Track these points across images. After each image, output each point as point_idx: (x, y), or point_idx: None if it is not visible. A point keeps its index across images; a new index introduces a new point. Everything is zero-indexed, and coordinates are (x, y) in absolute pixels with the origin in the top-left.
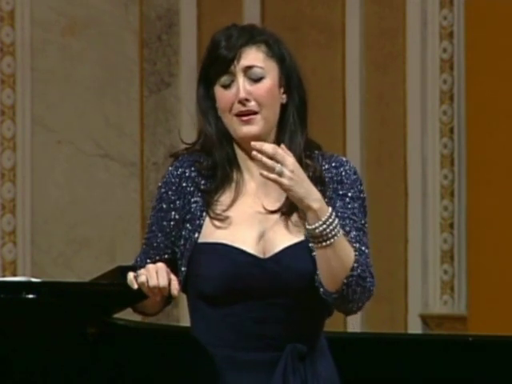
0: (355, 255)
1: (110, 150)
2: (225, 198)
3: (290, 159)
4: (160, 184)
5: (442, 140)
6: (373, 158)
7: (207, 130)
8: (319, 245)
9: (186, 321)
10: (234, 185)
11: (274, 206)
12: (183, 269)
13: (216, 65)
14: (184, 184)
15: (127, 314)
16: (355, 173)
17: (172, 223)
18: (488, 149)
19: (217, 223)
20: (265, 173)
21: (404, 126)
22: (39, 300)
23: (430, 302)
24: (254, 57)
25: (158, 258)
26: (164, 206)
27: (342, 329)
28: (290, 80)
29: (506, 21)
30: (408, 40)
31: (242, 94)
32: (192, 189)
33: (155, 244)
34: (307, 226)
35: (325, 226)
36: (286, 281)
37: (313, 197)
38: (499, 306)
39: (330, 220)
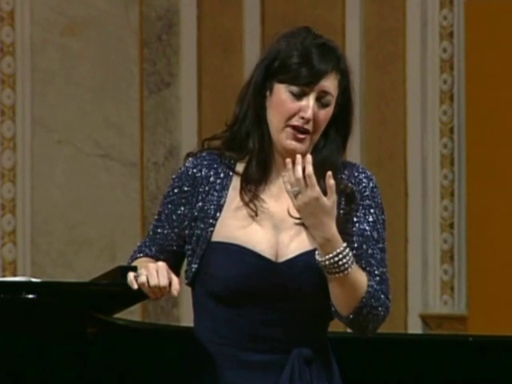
0: (370, 285)
1: (109, 150)
2: (253, 188)
3: (310, 193)
4: (174, 176)
5: (442, 140)
6: (373, 158)
7: (251, 115)
8: (327, 275)
9: (186, 321)
10: (260, 179)
11: (296, 213)
12: (194, 266)
13: (291, 76)
14: (199, 182)
15: (127, 314)
16: (376, 185)
17: (181, 218)
18: (488, 149)
19: (232, 221)
20: (286, 178)
21: (404, 126)
22: (39, 300)
23: (430, 302)
24: (331, 84)
25: (161, 246)
26: (175, 199)
27: (342, 329)
28: (342, 111)
29: (506, 21)
30: (408, 40)
31: (310, 115)
32: (207, 188)
33: (161, 234)
34: (315, 255)
35: (328, 262)
36: (297, 287)
37: (318, 233)
38: (499, 306)
39: (336, 258)
